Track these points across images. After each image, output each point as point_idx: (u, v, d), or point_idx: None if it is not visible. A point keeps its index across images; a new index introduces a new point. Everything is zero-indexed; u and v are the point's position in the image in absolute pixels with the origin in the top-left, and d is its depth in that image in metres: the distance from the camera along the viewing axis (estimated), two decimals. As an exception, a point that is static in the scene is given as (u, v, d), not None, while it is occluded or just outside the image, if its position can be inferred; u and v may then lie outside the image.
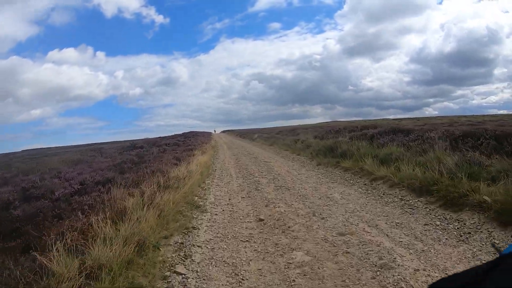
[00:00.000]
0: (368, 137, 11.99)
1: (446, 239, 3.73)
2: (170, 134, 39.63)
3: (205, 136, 36.51)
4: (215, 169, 10.64)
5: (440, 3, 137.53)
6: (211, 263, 3.48)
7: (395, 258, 3.28)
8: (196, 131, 57.60)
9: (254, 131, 51.97)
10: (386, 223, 4.44)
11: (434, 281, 0.72)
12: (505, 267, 0.38)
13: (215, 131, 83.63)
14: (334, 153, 10.97)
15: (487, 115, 38.00)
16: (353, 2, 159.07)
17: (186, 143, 19.71)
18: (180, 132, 47.96)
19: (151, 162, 9.83)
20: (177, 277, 3.17)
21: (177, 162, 9.41)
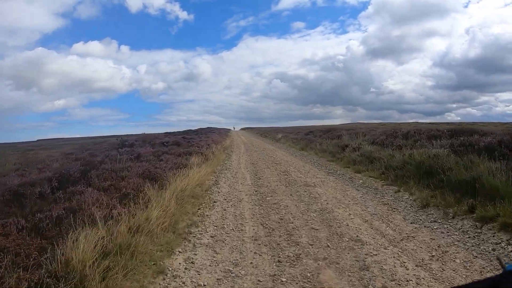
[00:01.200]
0: (482, 148, 6.78)
1: None
2: (181, 130, 35.44)
3: (221, 134, 31.93)
4: (208, 209, 5.22)
5: (466, 6, 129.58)
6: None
7: None
8: (214, 127, 53.40)
9: (275, 129, 46.83)
10: None
11: None
12: (506, 285, 0.36)
13: (234, 128, 79.85)
14: (434, 178, 5.88)
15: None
16: (377, 3, 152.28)
17: (191, 143, 15.04)
18: (195, 128, 43.86)
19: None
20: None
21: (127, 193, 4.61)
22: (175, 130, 35.80)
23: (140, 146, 14.57)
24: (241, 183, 7.24)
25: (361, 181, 7.25)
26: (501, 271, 0.44)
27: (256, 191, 6.47)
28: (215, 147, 13.91)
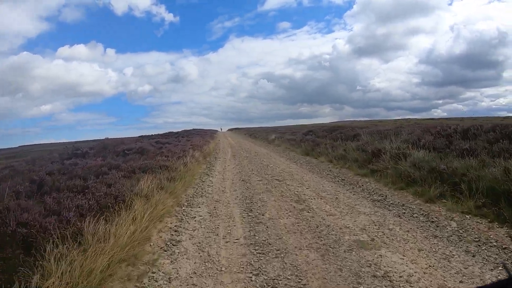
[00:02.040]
0: None
1: None
2: (163, 132, 31.46)
3: (206, 135, 28.21)
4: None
5: (450, 4, 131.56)
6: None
7: None
8: (199, 129, 49.48)
9: (265, 129, 43.33)
10: None
11: None
12: None
13: (221, 129, 75.82)
14: None
15: (497, 117, 34.47)
16: (362, 2, 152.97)
17: (162, 149, 11.39)
18: (179, 130, 39.92)
19: None
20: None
21: None
22: (162, 132, 31.79)
23: (94, 156, 10.84)
24: (223, 244, 3.63)
25: (455, 226, 3.80)
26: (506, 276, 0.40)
27: (257, 275, 2.90)
28: (193, 154, 10.29)
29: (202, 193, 6.06)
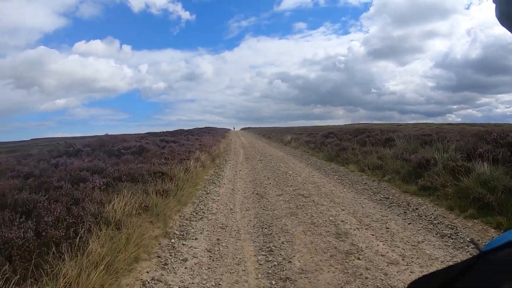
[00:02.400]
0: None
1: None
2: (172, 129, 30.33)
3: (217, 134, 26.87)
4: None
5: (468, 8, 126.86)
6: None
7: None
8: (212, 127, 48.23)
9: (278, 129, 41.58)
10: None
11: None
12: (481, 266, 0.37)
13: (234, 128, 74.80)
14: None
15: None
16: (379, 4, 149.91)
17: (166, 148, 10.06)
18: (190, 128, 38.90)
19: None
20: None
21: None
22: (173, 129, 30.68)
23: (87, 155, 9.56)
24: None
25: None
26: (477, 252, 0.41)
27: None
28: (198, 157, 8.85)
29: (203, 212, 4.55)
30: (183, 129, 30.40)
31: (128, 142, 11.19)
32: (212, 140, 16.58)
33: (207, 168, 8.44)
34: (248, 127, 76.16)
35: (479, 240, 3.54)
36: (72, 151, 10.04)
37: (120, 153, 8.94)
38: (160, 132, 22.34)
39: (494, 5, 0.49)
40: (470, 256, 0.44)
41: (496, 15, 0.49)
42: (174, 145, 11.03)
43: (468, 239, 2.76)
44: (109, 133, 14.15)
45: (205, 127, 43.24)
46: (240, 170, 8.77)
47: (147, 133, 19.99)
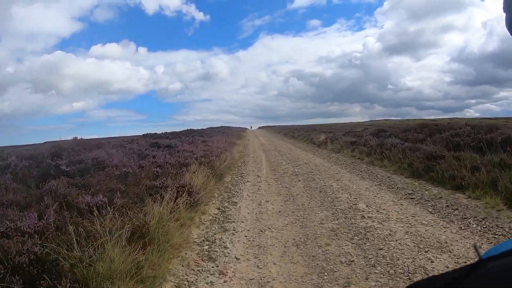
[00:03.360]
0: None
1: None
2: (182, 129, 26.78)
3: (232, 135, 23.07)
4: None
5: (483, 0, 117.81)
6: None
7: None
8: (227, 126, 44.50)
9: (299, 128, 37.18)
10: None
11: None
12: (480, 273, 0.37)
13: (251, 127, 71.03)
14: None
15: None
16: None
17: (146, 159, 6.25)
18: (204, 127, 35.42)
19: None
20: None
21: None
22: (182, 129, 27.21)
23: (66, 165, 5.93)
24: None
25: None
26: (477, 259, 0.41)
27: None
28: (196, 171, 4.99)
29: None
30: (193, 129, 26.78)
31: (94, 150, 7.53)
32: (225, 142, 12.75)
33: (203, 204, 4.49)
34: (266, 126, 72.08)
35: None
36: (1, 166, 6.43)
37: (59, 172, 5.22)
38: (162, 133, 18.71)
39: (504, 14, 0.49)
40: (470, 263, 0.40)
41: (506, 25, 0.49)
42: (162, 154, 7.22)
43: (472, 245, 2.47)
44: (83, 137, 10.54)
45: (220, 126, 39.70)
46: (267, 201, 4.83)
47: (144, 134, 16.46)
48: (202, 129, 31.70)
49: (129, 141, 11.37)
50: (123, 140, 12.47)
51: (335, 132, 19.42)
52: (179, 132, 24.57)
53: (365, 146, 9.84)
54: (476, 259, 0.41)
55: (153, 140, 10.83)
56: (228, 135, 21.17)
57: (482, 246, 2.99)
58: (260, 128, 70.91)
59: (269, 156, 11.15)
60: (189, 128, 28.58)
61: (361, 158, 8.98)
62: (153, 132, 18.60)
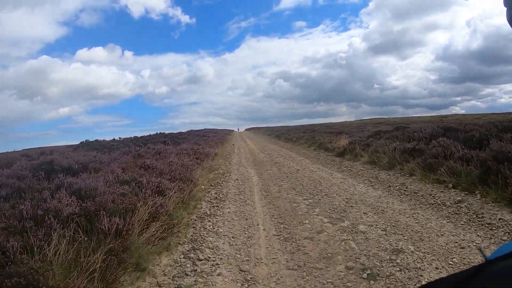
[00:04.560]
0: None
1: None
2: (155, 133, 21.37)
3: (215, 138, 18.00)
4: None
5: None
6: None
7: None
8: (212, 129, 38.66)
9: (289, 128, 32.13)
10: None
11: None
12: (487, 274, 0.37)
13: (238, 129, 65.86)
14: None
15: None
16: None
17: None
18: (182, 131, 30.06)
19: None
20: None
21: None
22: (155, 133, 21.77)
23: None
24: None
25: None
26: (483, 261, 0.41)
27: None
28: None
29: None
30: (164, 133, 21.47)
31: None
32: (192, 155, 7.71)
33: None
34: (253, 127, 66.85)
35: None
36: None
37: None
38: (102, 141, 13.36)
39: (505, 8, 0.49)
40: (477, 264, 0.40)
41: (507, 19, 0.49)
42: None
43: (476, 247, 2.41)
44: None
45: (203, 128, 34.26)
46: None
47: (80, 142, 11.24)
48: (180, 132, 26.31)
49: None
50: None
51: (343, 132, 14.63)
52: (146, 136, 19.24)
53: (452, 160, 4.94)
54: (482, 261, 0.40)
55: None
56: (208, 139, 16.10)
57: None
58: (247, 129, 65.58)
59: (266, 179, 6.12)
60: (159, 132, 23.11)
61: (471, 189, 4.05)
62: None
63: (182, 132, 27.24)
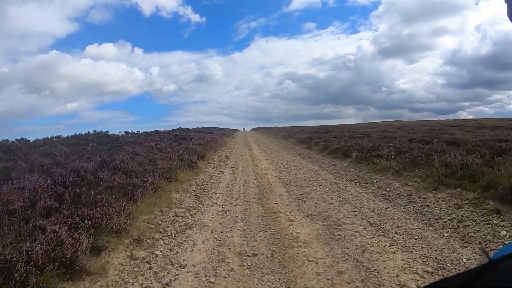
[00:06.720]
0: None
1: None
2: (144, 131, 19.05)
3: (215, 139, 15.56)
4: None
5: (477, 3, 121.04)
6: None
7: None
8: (215, 128, 35.74)
9: (296, 130, 28.44)
10: None
11: None
12: (492, 274, 0.36)
13: (244, 129, 62.87)
14: None
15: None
16: (388, 2, 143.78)
17: None
18: (186, 128, 27.65)
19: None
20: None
21: None
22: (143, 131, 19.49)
23: None
24: None
25: None
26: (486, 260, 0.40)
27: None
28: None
29: None
30: (158, 130, 19.13)
31: None
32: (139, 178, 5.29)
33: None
34: (260, 127, 64.08)
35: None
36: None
37: None
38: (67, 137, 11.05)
39: (506, 4, 0.48)
40: (481, 264, 0.39)
41: (508, 14, 0.49)
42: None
43: (479, 248, 2.58)
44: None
45: (203, 127, 31.58)
46: None
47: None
48: (177, 129, 23.88)
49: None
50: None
51: (362, 137, 12.08)
52: (132, 133, 16.92)
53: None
54: (486, 261, 0.39)
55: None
56: (203, 142, 13.51)
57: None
58: (254, 129, 62.64)
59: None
60: (155, 130, 20.73)
61: None
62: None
63: (171, 130, 24.81)
